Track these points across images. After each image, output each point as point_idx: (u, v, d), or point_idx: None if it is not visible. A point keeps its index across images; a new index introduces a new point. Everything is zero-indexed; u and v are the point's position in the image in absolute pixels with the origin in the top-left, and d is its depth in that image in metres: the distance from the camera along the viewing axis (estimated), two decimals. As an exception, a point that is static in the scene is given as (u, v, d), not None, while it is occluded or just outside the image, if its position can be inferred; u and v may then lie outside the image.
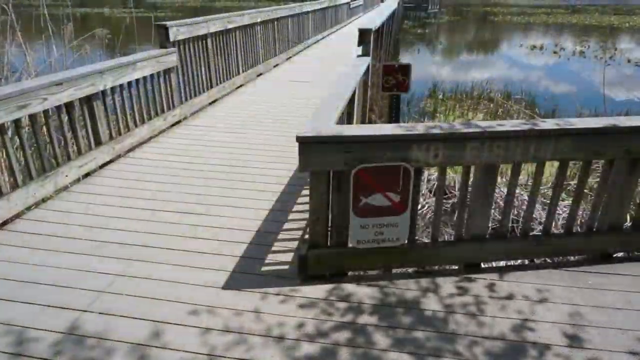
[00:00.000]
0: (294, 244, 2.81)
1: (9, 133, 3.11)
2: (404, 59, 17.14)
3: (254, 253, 2.71)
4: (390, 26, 12.39)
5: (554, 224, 3.39)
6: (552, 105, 9.43)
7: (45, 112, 3.32)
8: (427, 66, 15.72)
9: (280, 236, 2.90)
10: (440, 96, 10.54)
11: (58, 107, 3.45)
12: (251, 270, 2.56)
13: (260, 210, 3.20)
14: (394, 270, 2.62)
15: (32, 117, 3.21)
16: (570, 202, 4.21)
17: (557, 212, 3.89)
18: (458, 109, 9.55)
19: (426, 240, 3.44)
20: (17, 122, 3.10)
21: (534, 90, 11.29)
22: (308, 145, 2.09)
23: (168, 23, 4.82)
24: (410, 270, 2.61)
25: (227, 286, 2.41)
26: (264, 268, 2.59)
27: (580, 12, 47.58)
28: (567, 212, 4.03)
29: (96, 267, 2.55)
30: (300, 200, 3.36)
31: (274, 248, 2.77)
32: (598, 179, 2.68)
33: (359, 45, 4.30)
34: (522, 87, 11.42)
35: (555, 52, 18.79)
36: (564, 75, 14.89)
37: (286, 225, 3.02)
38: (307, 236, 2.67)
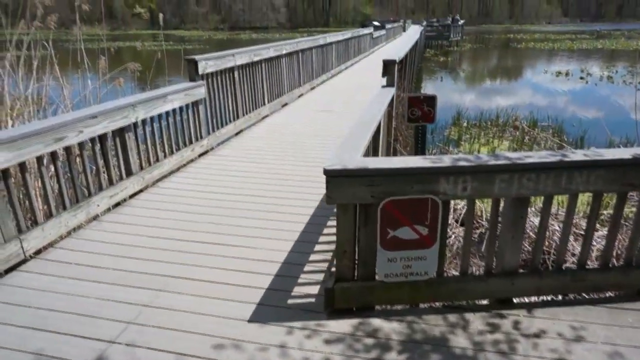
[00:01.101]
0: (320, 276, 2.79)
1: (44, 163, 3.24)
2: (427, 86, 17.23)
3: (280, 285, 2.70)
4: (413, 56, 12.51)
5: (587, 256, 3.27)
6: (580, 132, 9.25)
7: (80, 143, 3.45)
8: (450, 94, 15.73)
9: (306, 268, 2.88)
10: (465, 124, 10.49)
11: (92, 139, 3.58)
12: (277, 302, 2.54)
13: (286, 241, 3.20)
14: (422, 305, 2.56)
15: (68, 149, 3.34)
16: (606, 232, 4.08)
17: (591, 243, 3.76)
18: (483, 136, 9.47)
19: (455, 274, 3.37)
20: (53, 154, 3.22)
21: (561, 116, 11.13)
22: (335, 178, 2.10)
23: (197, 57, 4.98)
24: (438, 304, 2.55)
25: (253, 319, 2.40)
26: (290, 301, 2.56)
27: (606, 37, 47.12)
28: (602, 243, 3.91)
29: (124, 297, 2.57)
30: (325, 231, 3.35)
31: (299, 280, 2.75)
32: (635, 209, 2.58)
33: (383, 76, 4.36)
34: (548, 113, 11.28)
35: (581, 78, 18.55)
36: (591, 101, 14.64)
37: (312, 257, 3.00)
38: (333, 269, 2.64)
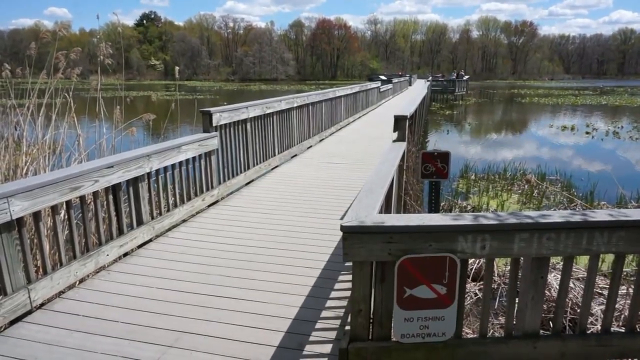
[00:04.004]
0: (332, 334, 2.70)
1: (58, 211, 3.25)
2: (434, 139, 17.45)
3: (291, 343, 2.61)
4: (421, 109, 12.77)
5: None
6: (589, 186, 9.23)
7: (95, 192, 3.47)
8: (457, 146, 15.90)
9: (318, 325, 2.80)
10: (472, 176, 10.53)
11: (106, 188, 3.60)
12: (288, 362, 2.44)
13: (297, 296, 3.13)
14: (439, 368, 2.45)
15: (82, 197, 3.36)
16: (625, 291, 3.96)
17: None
18: (491, 189, 9.47)
19: (471, 335, 3.26)
20: (67, 202, 3.24)
21: (568, 170, 11.17)
22: (352, 235, 2.07)
23: (212, 110, 5.11)
24: (456, 368, 2.44)
25: (264, 380, 2.30)
26: (302, 360, 2.47)
27: (609, 93, 48.08)
28: (622, 303, 3.79)
29: (131, 352, 2.49)
30: (337, 286, 3.28)
31: (311, 338, 2.66)
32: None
33: (394, 130, 4.43)
34: (556, 167, 11.32)
35: (587, 133, 18.76)
36: (599, 155, 14.73)
37: (324, 313, 2.92)
38: (347, 327, 2.56)
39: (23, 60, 5.64)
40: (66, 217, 3.35)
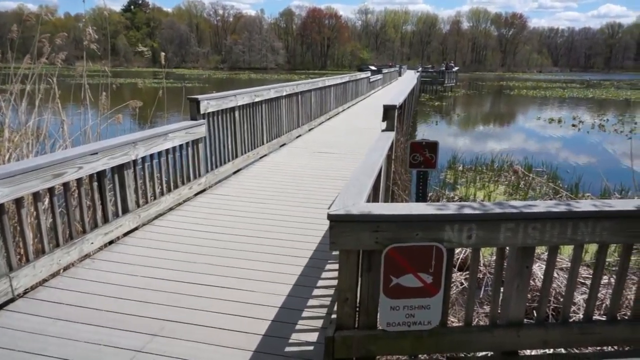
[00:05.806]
0: (319, 322, 2.71)
1: (40, 198, 3.18)
2: (422, 130, 17.50)
3: (277, 331, 2.61)
4: (410, 100, 12.77)
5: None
6: (574, 178, 9.34)
7: (79, 179, 3.41)
8: (445, 137, 15.97)
9: (304, 313, 2.80)
10: (460, 167, 10.59)
11: (90, 175, 3.54)
12: (274, 350, 2.44)
13: (284, 285, 3.12)
14: (424, 356, 2.48)
15: (65, 185, 3.30)
16: (607, 280, 4.03)
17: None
18: (479, 180, 9.54)
19: (456, 323, 3.29)
20: (50, 189, 3.18)
21: (554, 162, 11.29)
22: (339, 223, 2.06)
23: (200, 97, 5.04)
24: (441, 357, 2.46)
25: (249, 368, 2.30)
26: (288, 348, 2.47)
27: (596, 86, 48.61)
28: (603, 292, 3.85)
29: (116, 341, 2.47)
30: (324, 275, 3.28)
31: (297, 326, 2.66)
32: None
33: (383, 120, 4.41)
34: (542, 159, 11.44)
35: (574, 125, 18.97)
36: (584, 148, 14.91)
37: (310, 302, 2.92)
38: (333, 315, 2.57)
39: (5, 44, 5.50)
40: (49, 204, 3.30)
